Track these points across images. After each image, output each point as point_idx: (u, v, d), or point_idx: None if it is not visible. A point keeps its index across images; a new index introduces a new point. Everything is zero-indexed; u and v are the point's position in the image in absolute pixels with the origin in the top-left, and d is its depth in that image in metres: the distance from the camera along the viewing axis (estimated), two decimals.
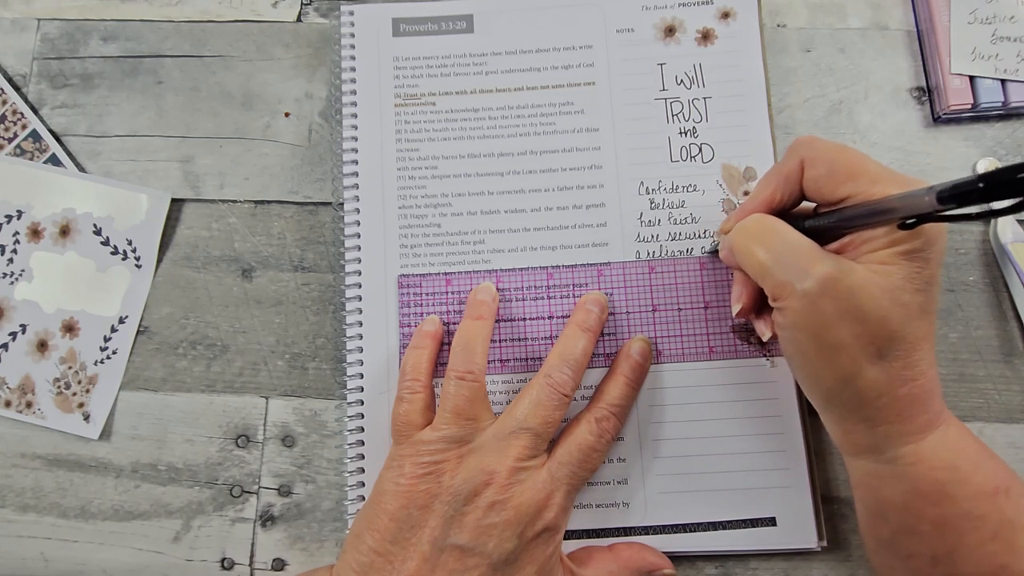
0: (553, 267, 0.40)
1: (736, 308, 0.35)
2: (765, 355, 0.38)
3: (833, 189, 0.30)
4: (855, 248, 0.30)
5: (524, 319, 0.39)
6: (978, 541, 0.29)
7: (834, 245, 0.31)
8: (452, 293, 0.40)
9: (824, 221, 0.31)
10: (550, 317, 0.39)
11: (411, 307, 0.40)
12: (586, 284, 0.40)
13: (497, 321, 0.39)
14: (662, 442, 0.38)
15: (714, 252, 0.40)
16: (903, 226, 0.27)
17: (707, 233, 0.40)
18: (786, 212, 0.34)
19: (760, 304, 0.35)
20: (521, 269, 0.40)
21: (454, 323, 0.39)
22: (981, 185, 0.22)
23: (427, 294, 0.40)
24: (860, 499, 0.33)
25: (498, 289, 0.39)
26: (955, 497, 0.29)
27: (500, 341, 0.39)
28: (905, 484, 0.30)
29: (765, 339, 0.35)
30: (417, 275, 0.40)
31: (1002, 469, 0.31)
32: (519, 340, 0.39)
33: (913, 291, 0.28)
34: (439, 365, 0.39)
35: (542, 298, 0.40)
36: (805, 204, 0.34)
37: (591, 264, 0.40)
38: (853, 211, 0.29)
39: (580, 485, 0.36)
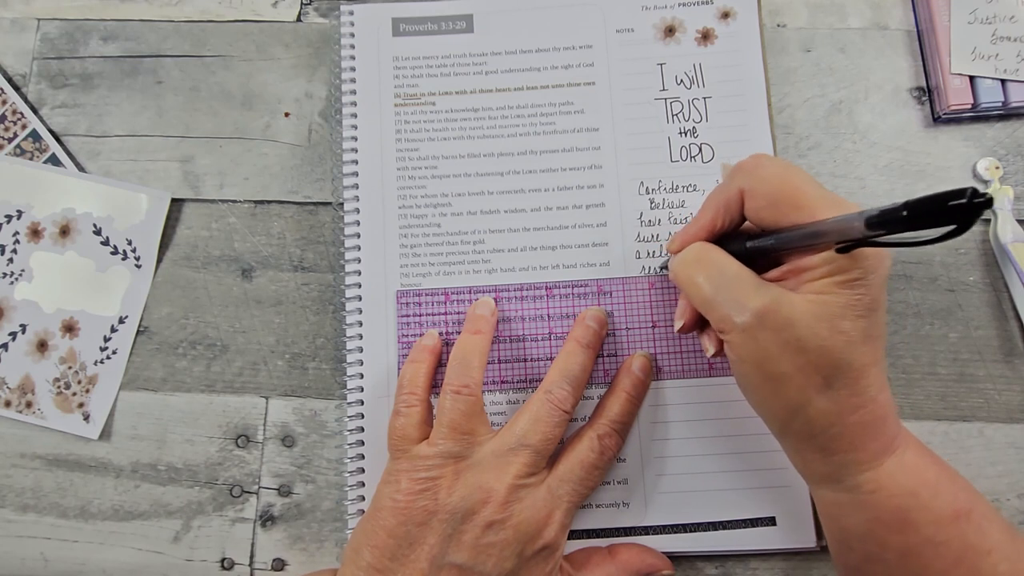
0: (552, 284, 0.40)
1: (678, 324, 0.35)
2: None
3: (775, 220, 0.30)
4: (795, 276, 0.29)
5: (523, 337, 0.39)
6: (942, 568, 0.29)
7: (774, 273, 0.30)
8: (451, 312, 0.40)
9: (764, 243, 0.31)
10: (549, 335, 0.39)
11: (411, 317, 0.40)
12: (585, 301, 0.40)
13: (496, 339, 0.39)
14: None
15: (665, 267, 0.39)
16: (839, 249, 0.27)
17: None
18: (728, 234, 0.33)
19: (703, 320, 0.34)
20: (520, 285, 0.40)
21: (453, 337, 0.39)
22: (905, 213, 0.22)
23: (426, 313, 0.40)
24: (826, 528, 0.33)
25: (497, 305, 0.39)
26: (916, 524, 0.29)
27: (499, 360, 0.39)
28: (866, 513, 0.30)
29: (709, 355, 0.34)
30: (416, 290, 0.40)
31: (963, 491, 0.30)
32: (518, 358, 0.39)
33: (854, 318, 0.28)
34: (438, 380, 0.38)
35: (542, 316, 0.39)
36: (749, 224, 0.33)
37: (591, 280, 0.40)
38: (790, 233, 0.29)
39: (580, 502, 0.36)
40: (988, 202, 0.21)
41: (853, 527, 0.31)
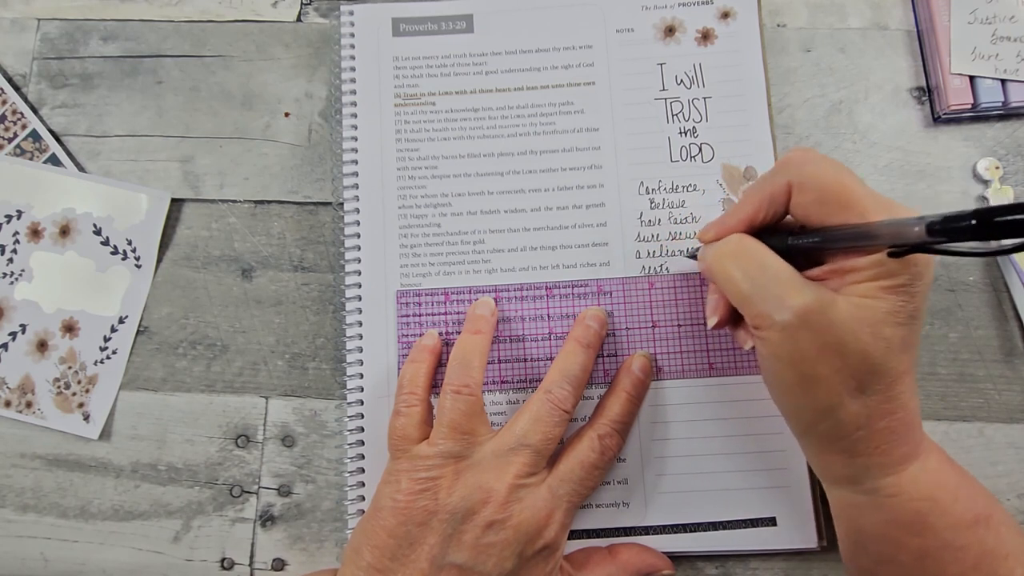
0: (552, 284, 0.40)
1: (712, 321, 0.34)
2: None
3: (822, 218, 0.29)
4: (839, 277, 0.29)
5: (523, 337, 0.39)
6: (960, 572, 0.29)
7: (816, 271, 0.30)
8: (451, 312, 0.40)
9: (808, 240, 0.30)
10: (549, 335, 0.39)
11: (411, 317, 0.40)
12: (585, 301, 0.40)
13: (496, 339, 0.39)
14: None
15: (694, 255, 0.39)
16: (892, 254, 0.26)
17: None
18: (769, 228, 0.32)
19: (737, 314, 0.33)
20: (520, 285, 0.40)
21: (453, 337, 0.39)
22: (973, 222, 0.21)
23: (426, 313, 0.40)
24: (839, 528, 0.33)
25: (497, 305, 0.39)
26: (935, 528, 0.29)
27: (499, 360, 0.39)
28: (884, 515, 0.30)
29: (746, 348, 0.34)
30: (416, 290, 0.40)
31: (983, 497, 0.30)
32: (518, 358, 0.39)
33: (895, 325, 0.28)
34: (438, 380, 0.38)
35: (542, 316, 0.39)
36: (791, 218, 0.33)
37: (591, 280, 0.40)
38: (839, 233, 0.28)
39: (580, 502, 0.36)
40: None
41: (869, 528, 0.30)
